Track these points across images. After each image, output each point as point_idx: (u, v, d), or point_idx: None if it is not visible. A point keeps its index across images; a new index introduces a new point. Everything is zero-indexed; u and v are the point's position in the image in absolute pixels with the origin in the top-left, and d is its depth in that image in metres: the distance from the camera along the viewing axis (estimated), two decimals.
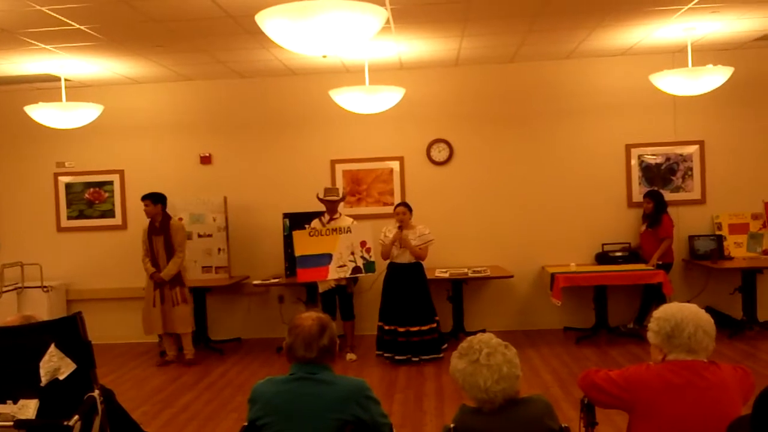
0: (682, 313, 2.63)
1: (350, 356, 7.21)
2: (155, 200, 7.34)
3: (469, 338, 2.58)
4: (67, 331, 2.51)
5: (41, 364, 2.47)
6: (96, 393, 2.50)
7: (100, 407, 2.48)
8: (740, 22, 6.64)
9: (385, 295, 7.08)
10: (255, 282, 7.89)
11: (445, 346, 7.11)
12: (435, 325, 7.03)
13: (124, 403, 3.05)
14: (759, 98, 8.01)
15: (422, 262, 7.05)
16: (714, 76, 6.64)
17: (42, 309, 7.84)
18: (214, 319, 8.29)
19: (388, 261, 7.06)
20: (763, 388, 1.94)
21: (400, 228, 6.92)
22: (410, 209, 7.07)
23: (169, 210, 8.06)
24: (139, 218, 8.41)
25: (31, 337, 2.52)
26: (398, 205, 7.11)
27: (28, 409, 2.44)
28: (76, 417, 2.38)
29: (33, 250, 8.43)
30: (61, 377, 2.48)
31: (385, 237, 6.97)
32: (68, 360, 2.48)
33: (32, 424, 2.44)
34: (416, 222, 7.10)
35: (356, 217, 7.53)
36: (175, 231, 7.34)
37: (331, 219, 7.25)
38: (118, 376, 6.97)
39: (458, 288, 7.82)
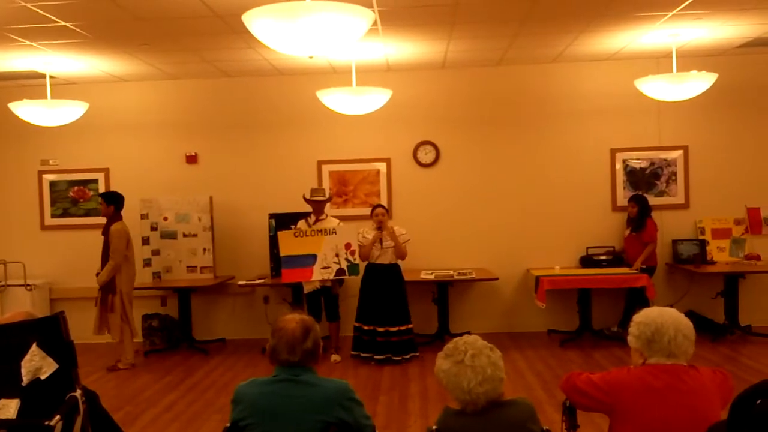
0: (662, 318, 2.65)
1: (335, 357, 7.21)
2: (108, 200, 7.22)
3: (455, 339, 2.59)
4: (49, 331, 2.50)
5: (23, 363, 2.44)
6: (78, 393, 2.48)
7: (81, 407, 2.46)
8: (724, 28, 6.70)
9: (364, 295, 7.13)
10: (240, 282, 7.86)
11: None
12: (411, 325, 7.11)
13: (107, 403, 3.04)
14: (742, 104, 8.09)
15: (400, 264, 7.13)
16: (698, 82, 6.70)
17: (25, 308, 7.74)
18: (198, 320, 8.26)
19: (365, 262, 7.11)
20: (738, 394, 1.96)
21: (380, 229, 6.97)
22: (388, 211, 7.17)
23: (154, 209, 8.07)
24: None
25: (13, 337, 2.50)
26: (376, 206, 7.18)
27: (8, 408, 2.42)
28: (58, 417, 2.37)
29: (16, 248, 8.36)
30: (43, 377, 2.46)
31: (364, 238, 7.02)
32: (50, 359, 2.46)
33: (13, 424, 2.43)
34: (398, 223, 7.26)
35: (342, 219, 7.54)
36: (111, 236, 7.05)
37: (318, 220, 7.25)
38: (101, 375, 6.93)
39: (443, 290, 7.83)
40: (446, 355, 2.54)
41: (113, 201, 7.21)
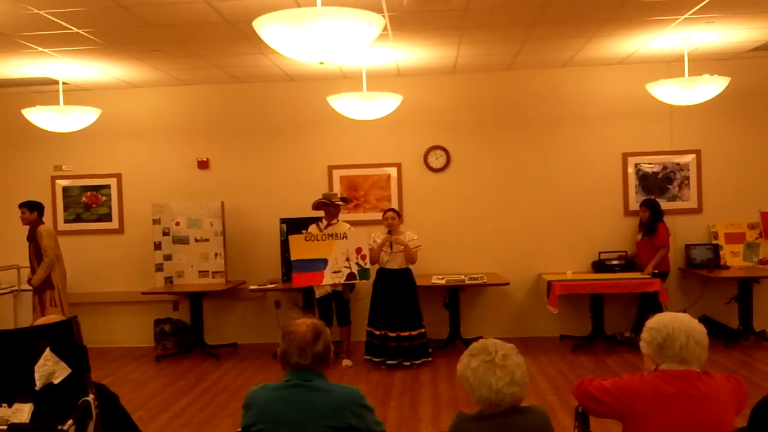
0: (674, 324, 2.62)
1: (346, 362, 7.20)
2: (31, 208, 7.44)
3: (480, 341, 2.58)
4: (62, 336, 2.51)
5: (36, 368, 2.46)
6: (90, 397, 2.49)
7: (94, 412, 2.47)
8: (736, 32, 6.67)
9: (376, 300, 7.14)
10: (251, 287, 7.89)
11: (430, 350, 7.22)
12: (423, 329, 7.11)
13: None
14: (755, 108, 8.04)
15: (411, 268, 7.14)
16: (710, 86, 6.66)
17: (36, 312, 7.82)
18: (210, 324, 8.28)
19: (377, 267, 7.11)
20: (759, 401, 1.94)
21: (390, 233, 6.98)
22: (399, 215, 7.19)
23: (166, 214, 8.13)
24: (136, 222, 8.44)
25: (26, 341, 2.52)
26: (388, 210, 7.20)
27: (22, 413, 2.44)
28: (71, 421, 2.38)
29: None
30: (56, 381, 2.47)
31: (374, 242, 7.03)
32: (63, 364, 2.48)
33: (26, 428, 2.44)
34: (409, 228, 7.29)
35: (353, 223, 7.53)
36: (40, 236, 7.34)
37: (329, 224, 7.25)
38: (115, 379, 6.95)
39: (455, 295, 7.81)
40: (474, 355, 2.50)
41: (36, 208, 7.49)
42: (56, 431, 2.34)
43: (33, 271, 7.41)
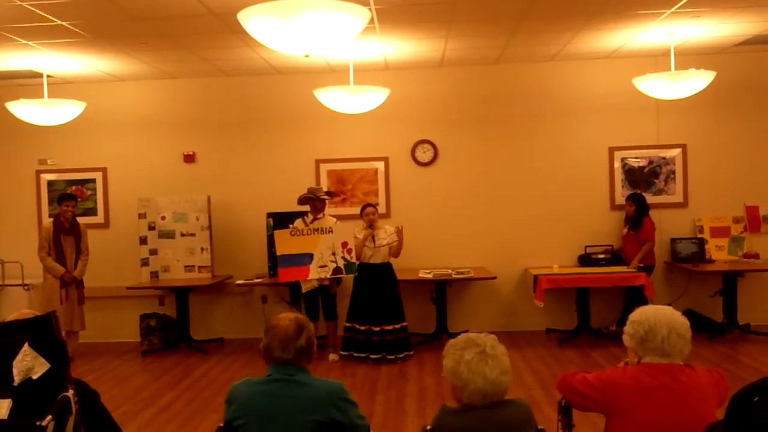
0: (656, 317, 2.63)
1: (333, 356, 7.19)
2: (77, 202, 7.69)
3: (462, 335, 2.58)
4: (41, 330, 2.48)
5: (14, 363, 2.43)
6: (70, 393, 2.46)
7: (74, 407, 2.44)
8: (723, 26, 6.69)
9: (358, 295, 7.15)
10: (238, 282, 7.85)
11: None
12: (405, 323, 7.14)
13: (106, 402, 3.02)
14: (741, 102, 8.08)
15: (392, 262, 7.18)
16: (696, 80, 6.69)
17: (22, 307, 7.73)
18: (196, 319, 8.24)
19: (358, 262, 7.11)
20: (736, 392, 1.95)
21: (372, 227, 7.00)
22: (377, 210, 7.31)
23: (152, 208, 8.11)
24: (122, 216, 8.39)
25: (4, 336, 2.48)
26: (366, 206, 7.23)
27: (0, 408, 2.41)
28: (49, 417, 2.35)
29: (14, 247, 8.33)
30: (35, 377, 2.44)
31: (355, 238, 7.03)
32: (42, 359, 2.45)
33: (4, 424, 2.41)
34: (396, 222, 7.32)
35: (340, 218, 7.53)
36: (84, 233, 7.64)
37: (315, 219, 7.23)
38: (100, 374, 6.90)
39: (442, 289, 7.81)
40: (464, 347, 2.49)
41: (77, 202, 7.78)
42: (35, 427, 2.32)
43: (66, 265, 7.42)
